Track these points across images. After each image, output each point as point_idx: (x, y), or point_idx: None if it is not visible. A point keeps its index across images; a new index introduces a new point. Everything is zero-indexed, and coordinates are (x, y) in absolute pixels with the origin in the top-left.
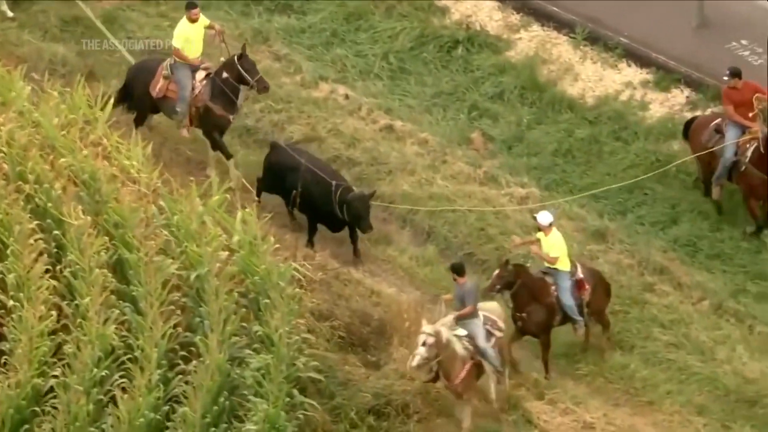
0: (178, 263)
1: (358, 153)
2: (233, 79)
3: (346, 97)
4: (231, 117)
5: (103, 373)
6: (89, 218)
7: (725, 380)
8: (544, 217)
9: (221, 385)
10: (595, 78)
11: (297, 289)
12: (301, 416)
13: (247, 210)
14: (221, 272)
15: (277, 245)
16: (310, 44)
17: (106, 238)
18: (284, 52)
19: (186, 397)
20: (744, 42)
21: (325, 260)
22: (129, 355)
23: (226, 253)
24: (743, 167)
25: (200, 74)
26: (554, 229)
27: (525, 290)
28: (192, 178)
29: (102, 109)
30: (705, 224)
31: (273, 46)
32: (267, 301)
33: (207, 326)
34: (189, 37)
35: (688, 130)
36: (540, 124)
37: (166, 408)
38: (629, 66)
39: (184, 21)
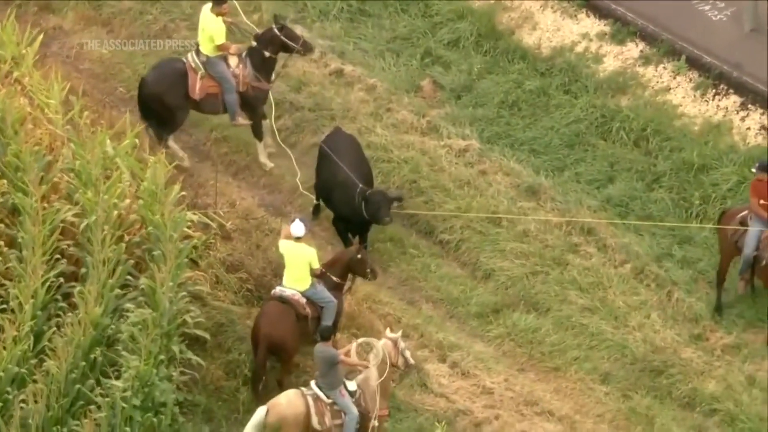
0: (76, 210)
1: (302, 98)
2: (275, 51)
3: None
4: (270, 87)
5: None
6: None
7: (634, 348)
8: (297, 228)
9: (96, 339)
10: (553, 28)
11: (197, 240)
12: (174, 374)
13: (155, 157)
14: (116, 220)
15: (184, 193)
16: None
17: (5, 181)
18: None
19: (53, 351)
20: None
21: (250, 209)
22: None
23: (128, 200)
24: (764, 262)
25: (233, 60)
26: (301, 244)
27: None
28: (102, 121)
29: (29, 46)
30: (640, 184)
31: None
32: (157, 252)
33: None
34: (225, 30)
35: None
36: (491, 74)
37: (35, 362)
38: (588, 17)
39: (216, 17)
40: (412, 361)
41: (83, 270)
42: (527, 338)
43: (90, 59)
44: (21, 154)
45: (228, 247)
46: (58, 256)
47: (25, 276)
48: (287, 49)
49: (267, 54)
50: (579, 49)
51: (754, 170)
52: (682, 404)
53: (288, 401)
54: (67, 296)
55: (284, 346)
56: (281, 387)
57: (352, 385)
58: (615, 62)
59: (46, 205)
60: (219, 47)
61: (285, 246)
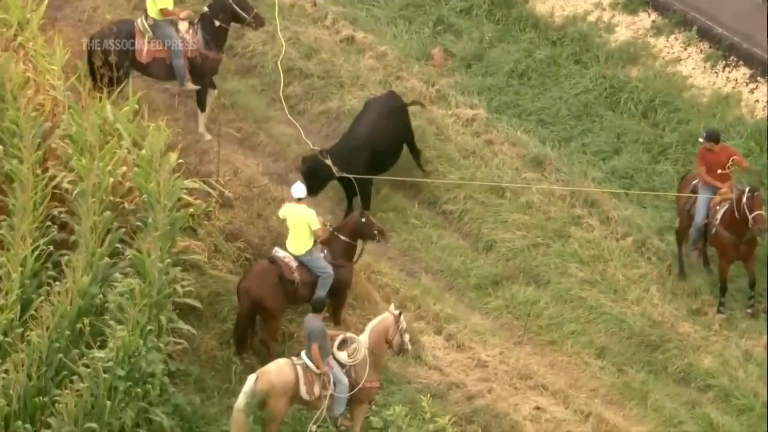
0: (71, 176)
1: (312, 65)
2: (226, 20)
3: (314, 4)
4: (222, 56)
5: None
6: None
7: (632, 322)
8: (298, 189)
9: (83, 308)
10: None
11: (195, 208)
12: (163, 344)
13: (154, 124)
14: (109, 187)
15: (181, 160)
16: None
17: (0, 147)
18: None
19: (35, 319)
20: None
21: (253, 176)
22: None
23: (124, 168)
24: (714, 230)
25: (183, 25)
26: (302, 206)
27: None
28: (103, 88)
29: (35, 11)
30: (646, 156)
31: None
32: (149, 220)
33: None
34: None
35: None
36: (502, 42)
37: (21, 330)
38: None
39: None
40: (409, 346)
41: (73, 238)
42: (525, 311)
43: (101, 23)
44: (18, 120)
45: (228, 216)
46: (49, 223)
47: (14, 244)
48: (239, 20)
49: (217, 23)
50: (591, 18)
51: (701, 140)
52: (677, 379)
53: (277, 369)
54: (58, 264)
55: (262, 303)
56: (267, 350)
57: (342, 356)
58: (627, 32)
59: (39, 172)
60: (162, 12)
61: (286, 209)
